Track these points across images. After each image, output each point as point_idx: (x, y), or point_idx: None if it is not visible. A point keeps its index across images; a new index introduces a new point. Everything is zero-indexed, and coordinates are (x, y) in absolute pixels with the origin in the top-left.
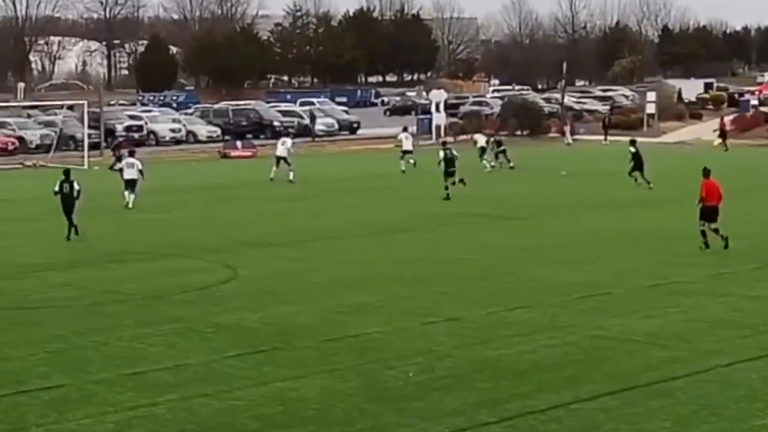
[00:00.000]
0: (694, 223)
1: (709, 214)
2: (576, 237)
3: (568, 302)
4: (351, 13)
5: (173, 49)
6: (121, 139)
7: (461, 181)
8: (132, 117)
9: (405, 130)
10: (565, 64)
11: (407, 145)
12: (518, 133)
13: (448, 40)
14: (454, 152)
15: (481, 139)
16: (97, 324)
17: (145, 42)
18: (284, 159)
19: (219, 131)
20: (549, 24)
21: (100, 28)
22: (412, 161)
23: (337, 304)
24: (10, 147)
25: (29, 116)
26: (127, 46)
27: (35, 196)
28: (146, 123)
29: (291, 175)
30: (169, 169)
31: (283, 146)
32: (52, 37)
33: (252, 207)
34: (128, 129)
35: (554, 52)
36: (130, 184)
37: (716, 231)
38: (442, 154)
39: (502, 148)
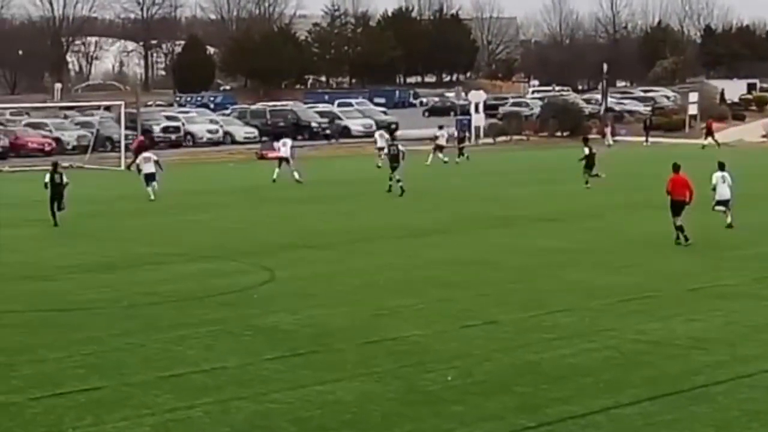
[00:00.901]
0: (735, 227)
1: (674, 208)
2: (616, 239)
3: (608, 306)
4: (389, 13)
5: (210, 50)
6: (138, 138)
7: (400, 185)
8: (169, 118)
9: (380, 128)
10: (605, 65)
11: (381, 142)
12: (558, 134)
13: (488, 41)
14: (400, 148)
15: (441, 138)
16: (133, 326)
17: (183, 42)
18: (286, 160)
19: (256, 132)
20: (589, 24)
21: (137, 28)
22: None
23: (375, 306)
24: (47, 148)
25: (66, 117)
26: (164, 46)
27: (71, 198)
28: (183, 124)
29: (287, 175)
30: (206, 171)
31: (285, 147)
32: (89, 38)
33: (288, 209)
34: (165, 130)
35: (595, 53)
36: (150, 178)
37: (680, 228)
38: (389, 150)
39: (463, 145)
